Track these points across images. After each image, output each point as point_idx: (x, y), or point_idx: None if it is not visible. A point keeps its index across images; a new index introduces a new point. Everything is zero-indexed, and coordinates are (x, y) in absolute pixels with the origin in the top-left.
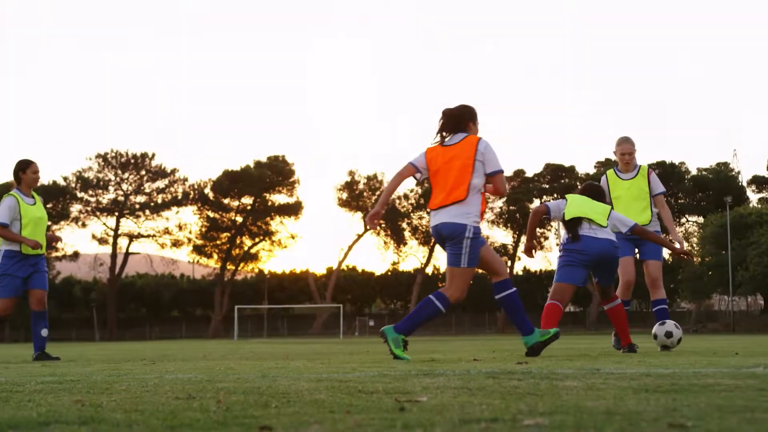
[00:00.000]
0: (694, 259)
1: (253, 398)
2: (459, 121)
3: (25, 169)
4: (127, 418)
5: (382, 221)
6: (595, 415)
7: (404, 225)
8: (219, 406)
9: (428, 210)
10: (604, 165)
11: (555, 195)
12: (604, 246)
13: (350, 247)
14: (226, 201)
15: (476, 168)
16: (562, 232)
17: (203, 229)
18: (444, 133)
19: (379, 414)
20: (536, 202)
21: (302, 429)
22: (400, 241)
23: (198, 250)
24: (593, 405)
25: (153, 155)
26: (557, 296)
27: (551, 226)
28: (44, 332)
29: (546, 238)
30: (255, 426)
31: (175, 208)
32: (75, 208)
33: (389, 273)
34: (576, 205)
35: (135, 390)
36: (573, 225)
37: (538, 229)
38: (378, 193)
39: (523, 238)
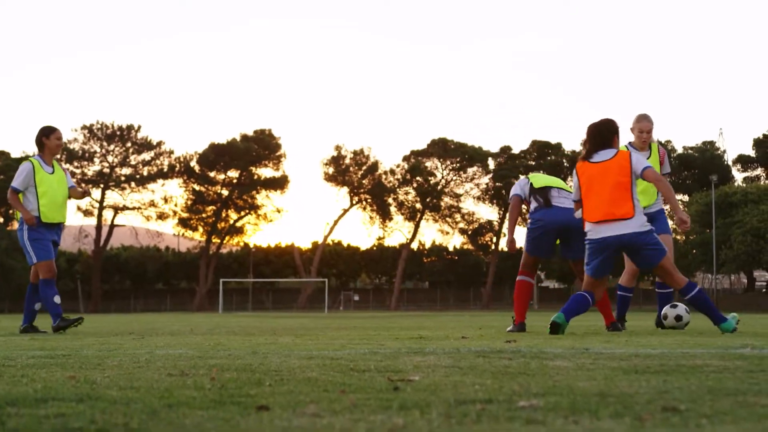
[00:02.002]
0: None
1: (246, 376)
2: (606, 137)
3: (48, 135)
4: (123, 395)
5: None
6: (589, 397)
7: (390, 200)
8: (213, 383)
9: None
10: None
11: (541, 171)
12: (571, 216)
13: (336, 222)
14: (212, 174)
15: (633, 182)
16: (531, 200)
17: (189, 202)
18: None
19: (374, 394)
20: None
21: (299, 409)
22: (385, 216)
23: (183, 223)
24: (585, 386)
25: (139, 127)
26: (527, 270)
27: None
28: (38, 306)
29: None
30: (252, 405)
31: (160, 181)
32: None
33: (374, 248)
34: (539, 177)
35: (127, 366)
36: (543, 193)
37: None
38: (364, 168)
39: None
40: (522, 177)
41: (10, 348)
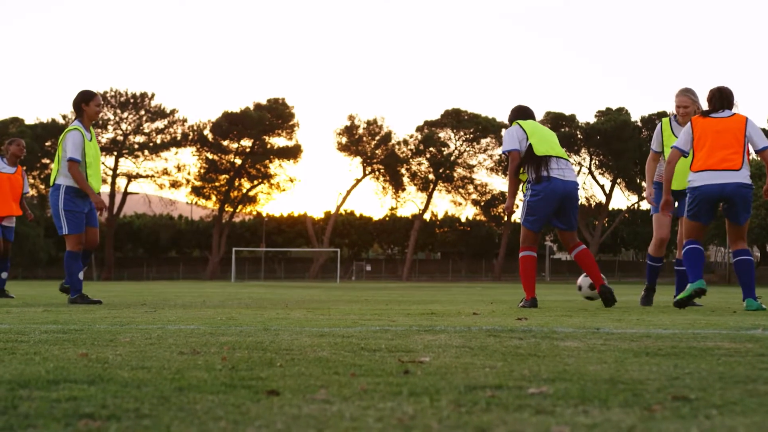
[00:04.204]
0: None
1: (258, 355)
2: (730, 100)
3: (88, 101)
4: (134, 376)
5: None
6: (599, 384)
7: (403, 171)
8: (224, 364)
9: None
10: (605, 114)
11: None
12: (570, 188)
13: (349, 192)
14: (225, 143)
15: (746, 144)
16: (529, 168)
17: (202, 171)
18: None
19: (384, 378)
20: None
21: (309, 395)
22: (398, 186)
23: (196, 191)
24: (596, 370)
25: (152, 95)
26: (530, 244)
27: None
28: (81, 275)
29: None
30: (262, 389)
31: (174, 149)
32: None
33: (387, 218)
34: (539, 135)
35: (139, 343)
36: (544, 162)
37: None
38: (377, 138)
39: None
40: (515, 126)
41: (24, 321)
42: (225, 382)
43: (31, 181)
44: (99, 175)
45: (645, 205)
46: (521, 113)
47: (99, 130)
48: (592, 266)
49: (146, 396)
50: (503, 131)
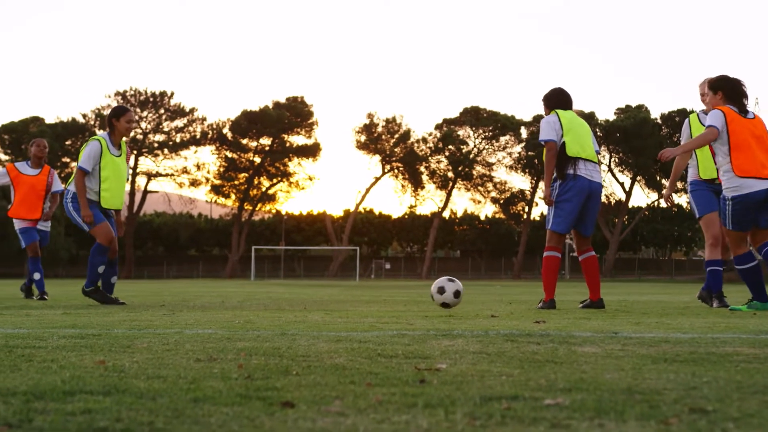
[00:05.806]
0: None
1: (274, 362)
2: (746, 95)
3: (119, 116)
4: (149, 386)
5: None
6: (616, 394)
7: (422, 169)
8: (240, 372)
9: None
10: (625, 112)
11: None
12: (595, 187)
13: (368, 190)
14: (244, 141)
15: None
16: (556, 168)
17: (221, 169)
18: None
19: (400, 387)
20: None
21: (324, 406)
22: (417, 184)
23: (216, 189)
24: (612, 379)
25: (172, 94)
26: (555, 245)
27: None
28: (114, 279)
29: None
30: (277, 400)
31: (193, 148)
32: None
33: (406, 216)
34: (573, 133)
35: (156, 349)
36: (572, 162)
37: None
38: (396, 136)
39: (541, 184)
40: (554, 116)
41: (43, 325)
42: (240, 393)
43: None
44: (119, 192)
45: (665, 202)
46: (560, 101)
47: None
48: (595, 276)
49: (161, 408)
50: (528, 129)
